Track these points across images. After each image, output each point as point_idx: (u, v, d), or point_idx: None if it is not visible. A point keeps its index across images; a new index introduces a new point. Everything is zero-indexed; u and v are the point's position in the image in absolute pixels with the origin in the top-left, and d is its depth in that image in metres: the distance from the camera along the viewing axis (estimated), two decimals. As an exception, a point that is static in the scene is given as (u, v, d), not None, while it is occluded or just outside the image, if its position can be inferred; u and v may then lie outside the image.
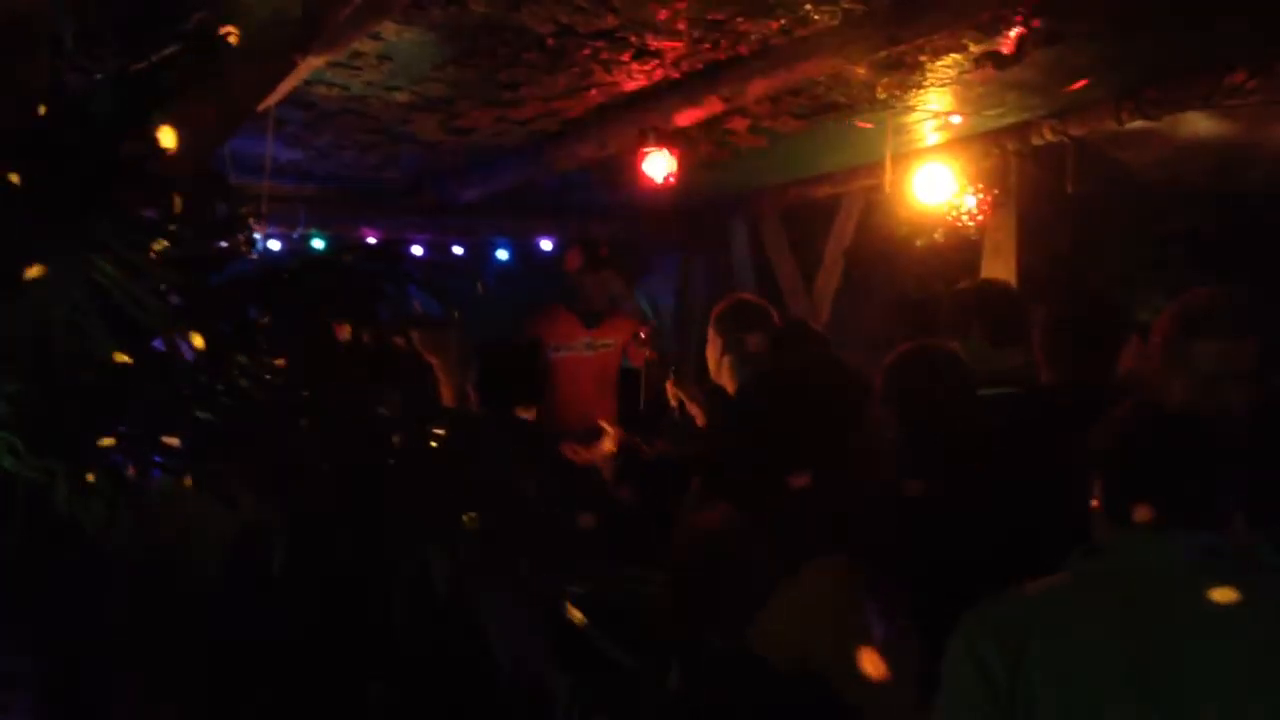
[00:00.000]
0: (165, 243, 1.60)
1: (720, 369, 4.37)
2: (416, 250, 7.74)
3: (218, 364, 1.61)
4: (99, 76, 1.67)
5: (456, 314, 1.88)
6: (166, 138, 1.63)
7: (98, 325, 1.47)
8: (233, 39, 1.69)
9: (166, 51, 1.68)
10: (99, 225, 1.55)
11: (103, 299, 1.49)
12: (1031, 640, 1.79)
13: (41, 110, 1.62)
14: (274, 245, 6.82)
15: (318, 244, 7.20)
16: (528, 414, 4.19)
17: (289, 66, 2.11)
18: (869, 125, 5.64)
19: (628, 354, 6.36)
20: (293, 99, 4.76)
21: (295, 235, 6.91)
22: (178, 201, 1.67)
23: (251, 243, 1.78)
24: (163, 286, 1.53)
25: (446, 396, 3.91)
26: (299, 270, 1.84)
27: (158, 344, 1.61)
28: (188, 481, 1.58)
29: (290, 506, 1.49)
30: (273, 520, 1.56)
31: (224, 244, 1.72)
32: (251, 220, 1.82)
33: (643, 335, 5.92)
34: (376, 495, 1.62)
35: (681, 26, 4.20)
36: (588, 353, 6.11)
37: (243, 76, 1.81)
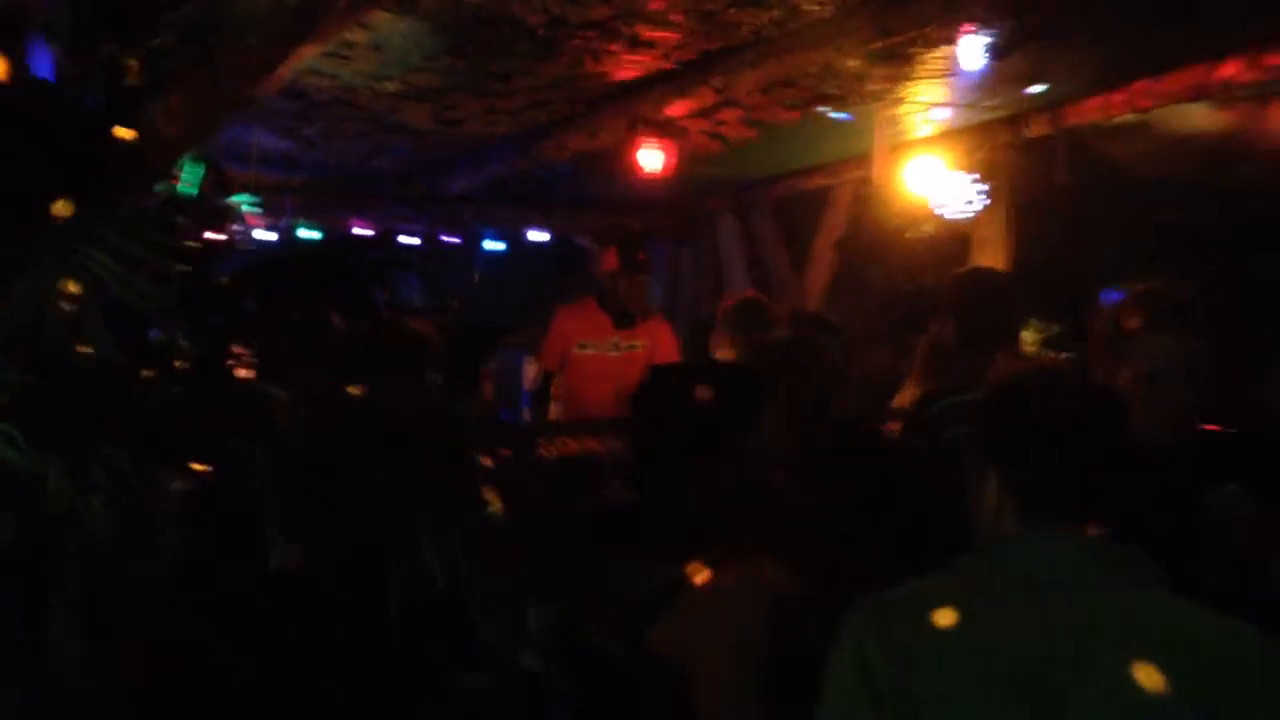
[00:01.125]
0: (161, 232, 1.58)
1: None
2: (409, 240, 7.71)
3: (214, 355, 1.60)
4: (94, 65, 1.66)
5: (456, 304, 1.87)
6: (161, 126, 1.62)
7: (93, 316, 1.46)
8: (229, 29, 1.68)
9: (161, 41, 1.67)
10: (93, 215, 1.54)
11: (99, 289, 1.48)
12: (918, 642, 1.72)
13: (36, 100, 1.60)
14: (263, 234, 6.78)
15: (305, 233, 7.17)
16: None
17: (285, 56, 2.09)
18: (842, 117, 5.63)
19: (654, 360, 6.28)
20: (282, 88, 4.74)
21: (282, 224, 6.87)
22: (172, 191, 1.65)
23: (247, 233, 1.77)
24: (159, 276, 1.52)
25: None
26: (295, 260, 1.82)
27: (154, 334, 1.60)
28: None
29: (287, 499, 1.48)
30: (271, 514, 1.55)
31: (219, 234, 1.71)
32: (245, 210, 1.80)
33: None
34: (372, 489, 1.61)
35: (674, 17, 4.18)
36: (613, 353, 6.05)
37: (239, 66, 1.80)
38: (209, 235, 1.79)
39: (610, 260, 5.83)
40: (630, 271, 5.70)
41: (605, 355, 5.94)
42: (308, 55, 3.64)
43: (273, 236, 6.84)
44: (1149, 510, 2.28)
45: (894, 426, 4.30)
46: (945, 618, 1.72)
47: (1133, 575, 1.72)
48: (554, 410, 6.29)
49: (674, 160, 5.58)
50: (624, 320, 5.86)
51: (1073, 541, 1.75)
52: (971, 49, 4.43)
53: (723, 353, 4.29)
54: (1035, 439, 1.84)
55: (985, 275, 4.24)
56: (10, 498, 1.44)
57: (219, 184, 1.74)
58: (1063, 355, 5.06)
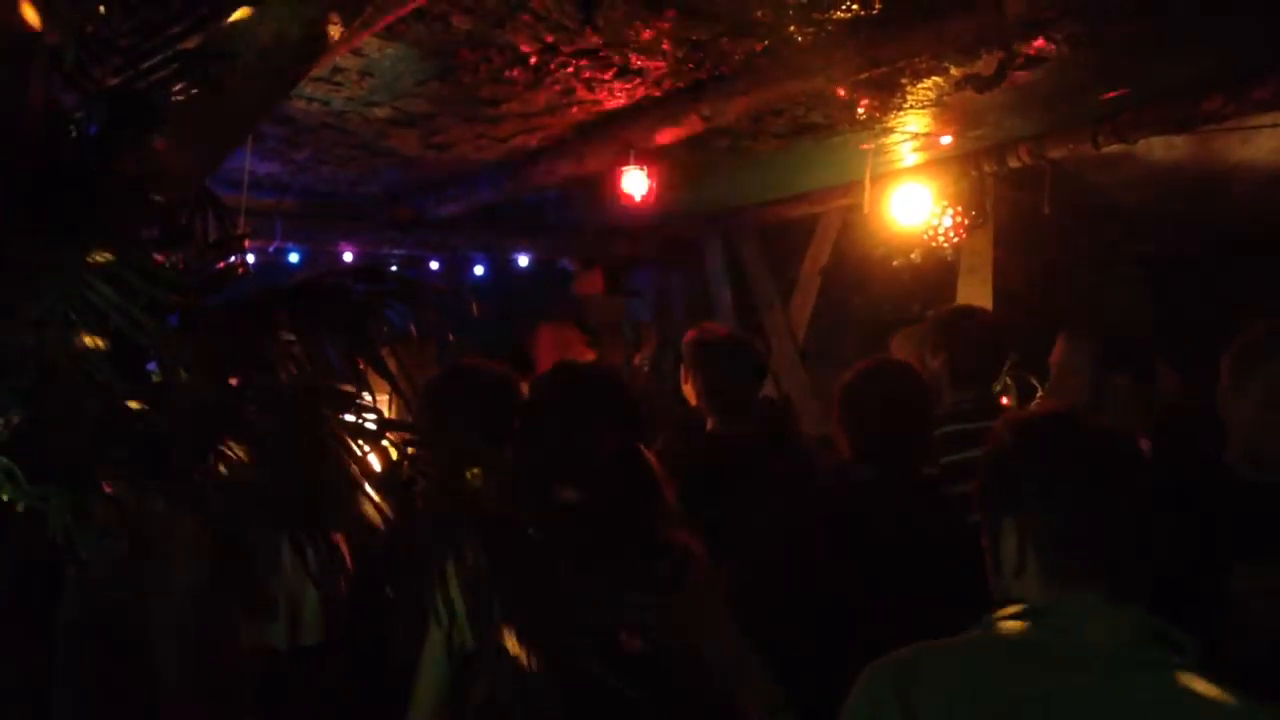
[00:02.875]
0: (162, 263, 1.59)
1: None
2: (398, 268, 7.73)
3: (214, 387, 1.59)
4: (97, 96, 1.66)
5: (451, 337, 1.87)
6: (164, 157, 1.62)
7: (95, 349, 1.46)
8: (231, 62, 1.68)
9: (165, 72, 1.67)
10: (95, 246, 1.54)
11: (101, 322, 1.48)
12: (935, 706, 1.59)
13: (37, 130, 1.60)
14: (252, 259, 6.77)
15: (293, 257, 7.18)
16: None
17: (288, 87, 2.10)
18: (866, 146, 5.67)
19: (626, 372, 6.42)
20: (272, 114, 4.74)
21: (271, 249, 6.88)
22: (174, 222, 1.66)
23: (246, 264, 1.77)
24: (160, 308, 1.52)
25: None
26: (292, 292, 1.82)
27: (152, 366, 1.59)
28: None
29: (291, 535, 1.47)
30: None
31: (220, 265, 1.71)
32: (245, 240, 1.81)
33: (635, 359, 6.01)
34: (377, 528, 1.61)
35: (665, 46, 4.21)
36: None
37: (241, 97, 1.80)
38: (207, 266, 1.79)
39: (596, 282, 5.94)
40: (613, 292, 5.85)
41: None
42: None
43: (259, 260, 6.87)
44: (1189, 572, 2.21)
45: None
46: (971, 681, 1.62)
47: (1167, 654, 1.59)
48: None
49: (661, 187, 5.61)
50: (596, 339, 5.98)
51: (1104, 615, 1.62)
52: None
53: (687, 387, 4.28)
54: (1064, 487, 1.71)
55: (977, 315, 4.33)
56: (11, 533, 1.43)
57: (221, 215, 1.74)
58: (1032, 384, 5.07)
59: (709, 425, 3.99)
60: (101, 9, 1.66)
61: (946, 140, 5.66)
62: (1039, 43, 4.13)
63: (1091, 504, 1.69)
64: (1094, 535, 1.67)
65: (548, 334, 6.30)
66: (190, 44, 1.71)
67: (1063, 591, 1.66)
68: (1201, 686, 1.55)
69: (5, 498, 1.37)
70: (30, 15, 1.58)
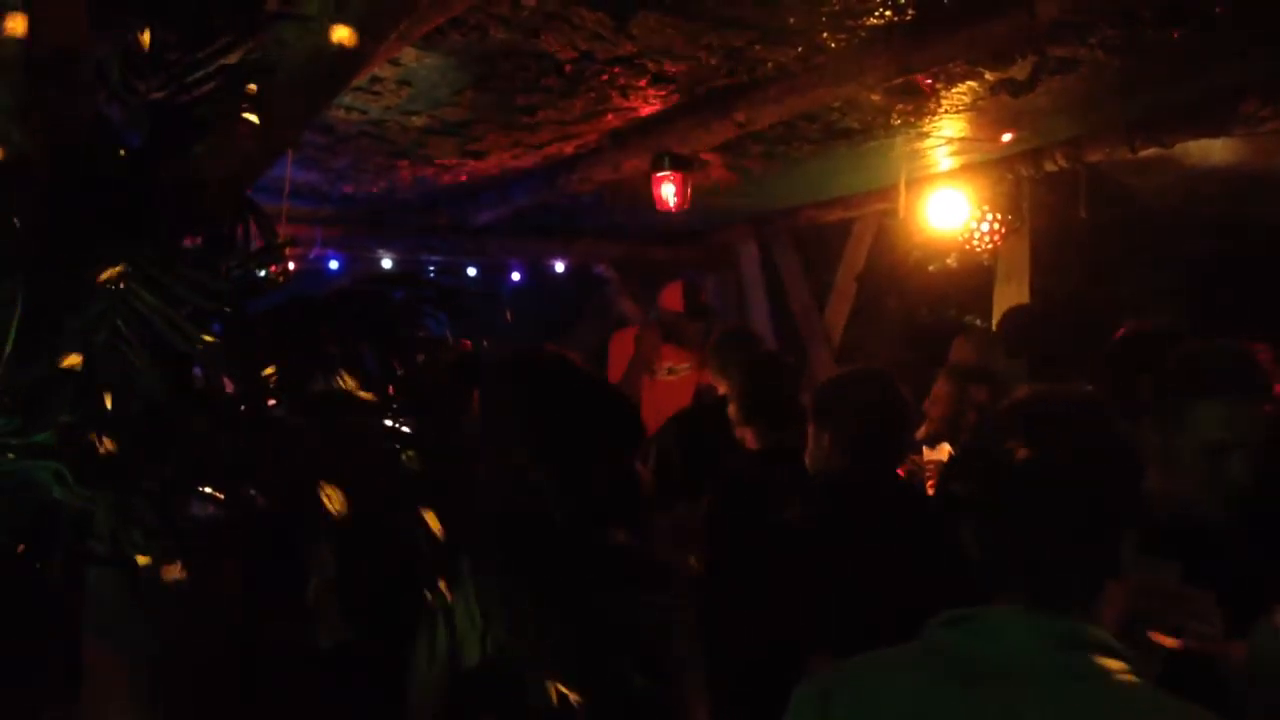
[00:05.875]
0: (205, 272, 1.63)
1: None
2: (436, 274, 7.81)
3: (256, 393, 1.63)
4: (141, 109, 1.70)
5: (485, 342, 1.89)
6: (206, 169, 1.67)
7: (141, 355, 1.50)
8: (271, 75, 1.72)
9: (208, 85, 1.72)
10: (140, 255, 1.58)
11: (147, 329, 1.52)
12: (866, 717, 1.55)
13: (84, 142, 1.65)
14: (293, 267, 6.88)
15: (333, 264, 7.27)
16: None
17: (329, 99, 2.14)
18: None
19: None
20: (312, 123, 4.80)
21: (311, 256, 6.97)
22: (217, 231, 1.70)
23: (287, 271, 1.81)
24: (203, 316, 1.56)
25: None
26: (331, 299, 1.86)
27: (197, 372, 1.64)
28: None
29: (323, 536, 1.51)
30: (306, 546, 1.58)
31: (261, 273, 1.75)
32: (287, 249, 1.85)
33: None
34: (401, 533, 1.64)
35: (699, 53, 4.23)
36: (669, 377, 6.35)
37: (283, 108, 1.84)
38: (249, 273, 1.83)
39: (676, 300, 6.16)
40: (694, 314, 6.05)
41: (664, 380, 6.26)
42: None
43: (300, 267, 6.96)
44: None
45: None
46: (882, 699, 1.57)
47: (1096, 662, 1.49)
48: None
49: (695, 192, 5.64)
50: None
51: (1026, 624, 1.53)
52: None
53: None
54: (993, 491, 1.62)
55: (1052, 310, 4.33)
56: (58, 534, 1.47)
57: (263, 224, 1.79)
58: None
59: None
60: (145, 25, 1.71)
61: (1007, 137, 5.62)
62: (1072, 47, 4.12)
63: (1006, 513, 1.61)
64: (1013, 543, 1.59)
65: (625, 341, 6.47)
66: (232, 58, 1.75)
67: (1003, 598, 1.58)
68: (1132, 694, 1.48)
69: (56, 497, 1.41)
70: (78, 33, 1.63)
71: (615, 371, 6.36)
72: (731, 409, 4.09)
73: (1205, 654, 2.17)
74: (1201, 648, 2.16)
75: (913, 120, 5.19)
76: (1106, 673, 1.48)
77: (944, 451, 4.51)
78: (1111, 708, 1.45)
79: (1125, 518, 1.60)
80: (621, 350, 6.44)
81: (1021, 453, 1.58)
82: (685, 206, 5.63)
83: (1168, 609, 2.17)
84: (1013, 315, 4.29)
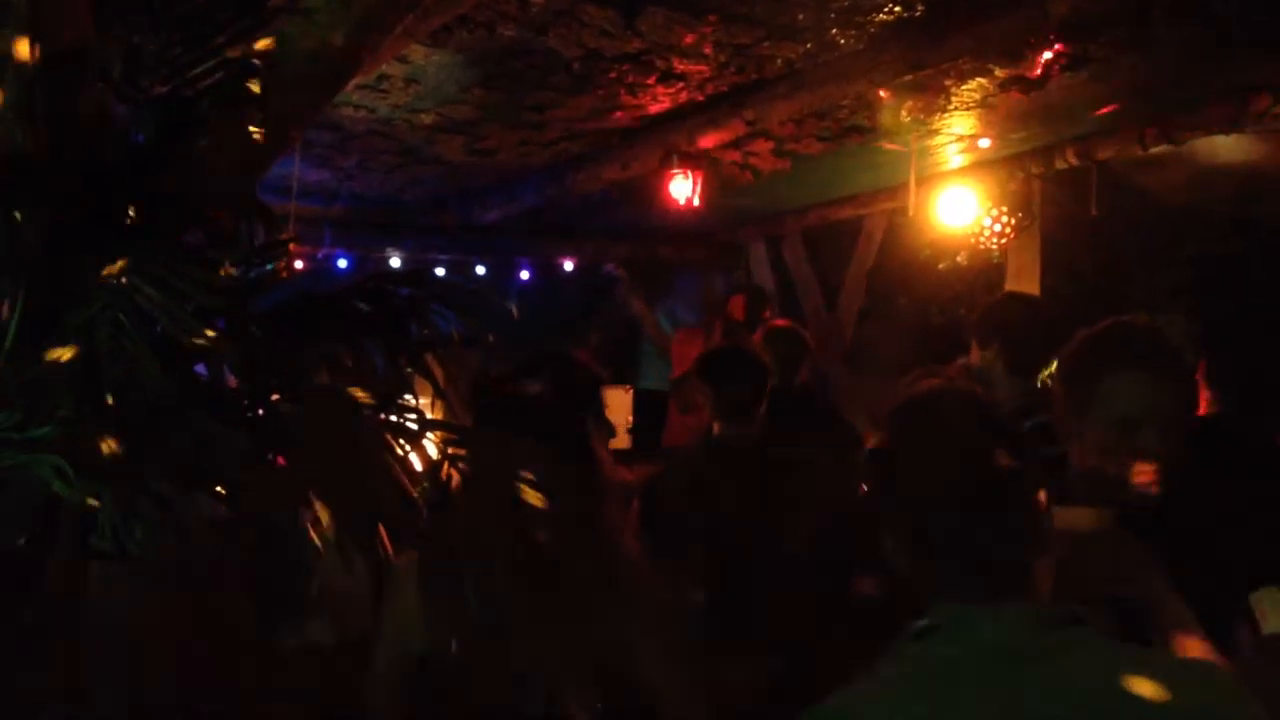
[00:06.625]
0: (208, 268, 1.62)
1: None
2: (443, 272, 7.82)
3: (258, 389, 1.63)
4: (143, 104, 1.70)
5: (491, 338, 1.88)
6: (210, 165, 1.66)
7: (143, 350, 1.49)
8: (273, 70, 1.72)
9: (210, 81, 1.71)
10: (143, 250, 1.57)
11: (149, 325, 1.51)
12: None
13: (87, 139, 1.64)
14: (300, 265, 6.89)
15: (341, 263, 7.27)
16: None
17: (332, 95, 2.13)
18: (897, 148, 5.66)
19: None
20: (320, 121, 4.81)
21: (320, 254, 6.98)
22: (220, 227, 1.69)
23: (292, 268, 1.80)
24: (207, 313, 1.55)
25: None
26: (335, 296, 1.85)
27: (201, 369, 1.63)
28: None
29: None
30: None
31: (265, 269, 1.74)
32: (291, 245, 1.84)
33: None
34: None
35: (708, 50, 4.22)
36: None
37: (286, 105, 1.84)
38: (253, 270, 1.82)
39: (739, 310, 6.38)
40: (753, 324, 6.28)
41: None
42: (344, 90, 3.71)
43: (308, 266, 6.98)
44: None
45: None
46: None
47: (1068, 634, 1.50)
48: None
49: (702, 191, 5.63)
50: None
51: (992, 615, 1.51)
52: None
53: None
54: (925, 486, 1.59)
55: (1031, 302, 4.27)
56: (59, 530, 1.47)
57: (267, 220, 1.78)
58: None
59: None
60: (149, 21, 1.70)
61: (985, 143, 5.63)
62: (1083, 44, 4.11)
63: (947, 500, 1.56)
64: (960, 533, 1.55)
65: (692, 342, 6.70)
66: (235, 53, 1.74)
67: (947, 600, 1.55)
68: (1114, 651, 1.48)
69: (57, 492, 1.41)
70: (82, 29, 1.62)
71: (680, 370, 6.90)
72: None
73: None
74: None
75: (923, 118, 5.17)
76: (1087, 640, 1.49)
77: None
78: (1108, 670, 1.43)
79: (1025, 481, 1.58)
80: (685, 351, 6.79)
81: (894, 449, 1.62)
82: (695, 204, 5.62)
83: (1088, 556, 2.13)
84: (984, 307, 4.24)
